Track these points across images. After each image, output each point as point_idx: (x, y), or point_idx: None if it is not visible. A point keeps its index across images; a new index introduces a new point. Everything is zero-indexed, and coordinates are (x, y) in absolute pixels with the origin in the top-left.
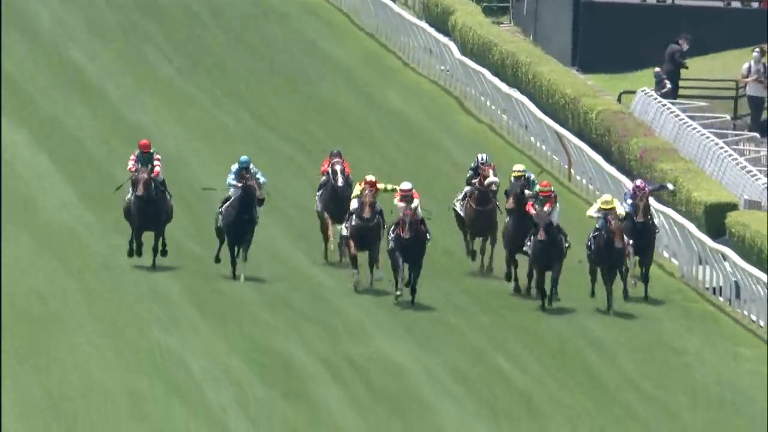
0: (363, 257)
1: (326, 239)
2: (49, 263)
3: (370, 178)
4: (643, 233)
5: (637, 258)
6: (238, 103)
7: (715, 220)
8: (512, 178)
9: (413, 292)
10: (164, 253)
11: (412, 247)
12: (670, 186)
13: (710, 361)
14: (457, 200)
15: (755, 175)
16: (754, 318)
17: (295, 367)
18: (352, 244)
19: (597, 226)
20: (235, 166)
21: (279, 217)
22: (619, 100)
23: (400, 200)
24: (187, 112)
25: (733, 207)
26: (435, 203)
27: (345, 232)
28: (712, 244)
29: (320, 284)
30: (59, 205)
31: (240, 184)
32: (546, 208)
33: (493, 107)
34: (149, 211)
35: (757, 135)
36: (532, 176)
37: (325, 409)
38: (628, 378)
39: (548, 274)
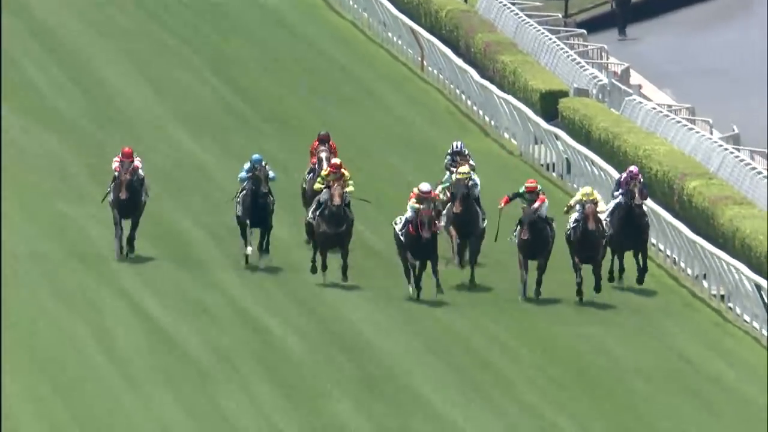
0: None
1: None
2: None
3: (336, 161)
4: (640, 218)
5: (627, 251)
6: (136, 4)
7: (548, 105)
8: (455, 179)
9: (438, 285)
10: (131, 248)
11: (428, 245)
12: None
13: None
14: (439, 189)
15: (583, 66)
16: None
17: (182, 234)
18: (319, 248)
19: (576, 216)
20: (247, 165)
21: (170, 98)
22: (465, 0)
23: (417, 202)
24: (92, 14)
25: (564, 94)
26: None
27: (319, 228)
28: (546, 126)
29: (203, 162)
30: None
31: (247, 178)
32: (536, 205)
33: (356, 6)
34: (128, 205)
35: (585, 31)
36: (477, 179)
37: (207, 270)
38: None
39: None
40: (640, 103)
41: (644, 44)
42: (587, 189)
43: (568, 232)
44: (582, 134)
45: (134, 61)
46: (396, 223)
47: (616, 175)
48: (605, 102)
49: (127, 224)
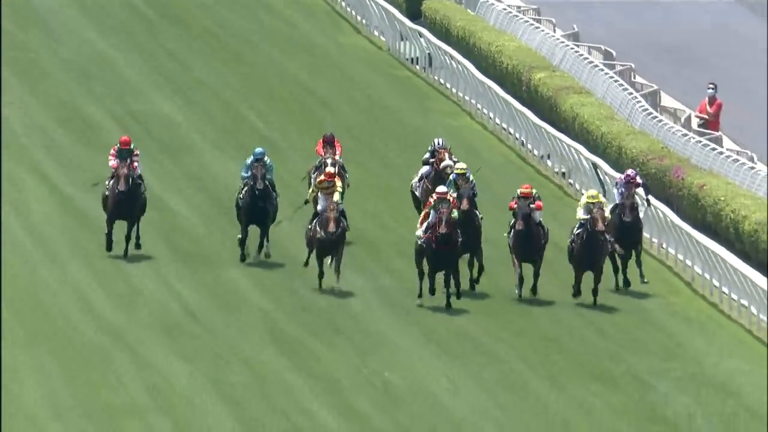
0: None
1: None
2: None
3: (330, 170)
4: (632, 224)
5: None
6: None
7: (413, 6)
8: (453, 175)
9: (449, 297)
10: (137, 245)
11: (446, 250)
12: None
13: (409, 116)
14: (415, 182)
15: None
16: (442, 81)
17: (89, 118)
18: (315, 252)
19: (581, 221)
20: (250, 159)
21: (80, 1)
22: None
23: (439, 206)
24: None
25: None
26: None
27: (317, 234)
28: (411, 24)
29: (110, 56)
30: None
31: (248, 176)
32: (530, 205)
33: None
34: (124, 202)
35: None
36: (471, 176)
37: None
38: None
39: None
40: (493, 4)
41: None
42: (593, 191)
43: (572, 238)
44: (442, 32)
45: None
46: (417, 236)
47: (474, 71)
48: (462, 3)
49: (121, 226)
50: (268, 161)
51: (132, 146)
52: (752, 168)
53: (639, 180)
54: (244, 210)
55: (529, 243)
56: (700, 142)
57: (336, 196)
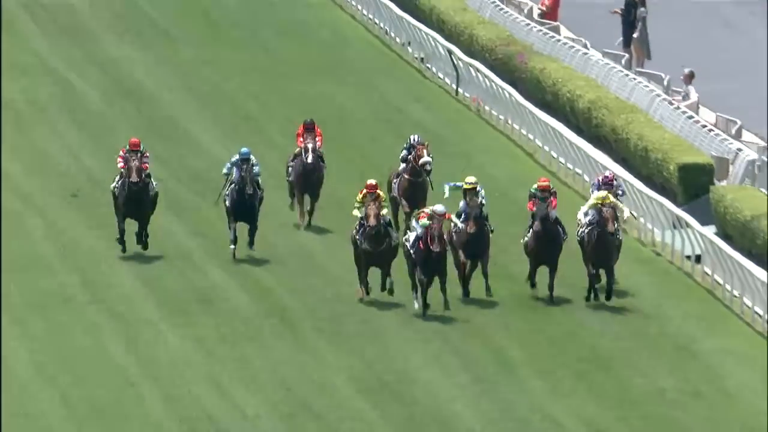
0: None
1: (296, 204)
2: None
3: (371, 182)
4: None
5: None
6: None
7: None
8: (463, 190)
9: (446, 302)
10: (145, 246)
11: (438, 261)
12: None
13: (291, 9)
14: (394, 182)
15: None
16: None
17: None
18: (363, 258)
19: (589, 219)
20: (235, 157)
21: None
22: None
23: (428, 220)
24: None
25: None
26: None
27: (360, 245)
28: None
29: None
30: None
31: (236, 177)
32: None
33: None
34: (134, 198)
35: None
36: (483, 192)
37: (21, 34)
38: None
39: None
40: None
41: None
42: (602, 193)
43: (582, 237)
44: None
45: None
46: (407, 240)
47: None
48: None
49: (133, 226)
50: (254, 160)
51: (142, 148)
52: (585, 54)
53: (617, 183)
54: (232, 208)
55: (546, 246)
56: (541, 30)
57: (384, 211)
